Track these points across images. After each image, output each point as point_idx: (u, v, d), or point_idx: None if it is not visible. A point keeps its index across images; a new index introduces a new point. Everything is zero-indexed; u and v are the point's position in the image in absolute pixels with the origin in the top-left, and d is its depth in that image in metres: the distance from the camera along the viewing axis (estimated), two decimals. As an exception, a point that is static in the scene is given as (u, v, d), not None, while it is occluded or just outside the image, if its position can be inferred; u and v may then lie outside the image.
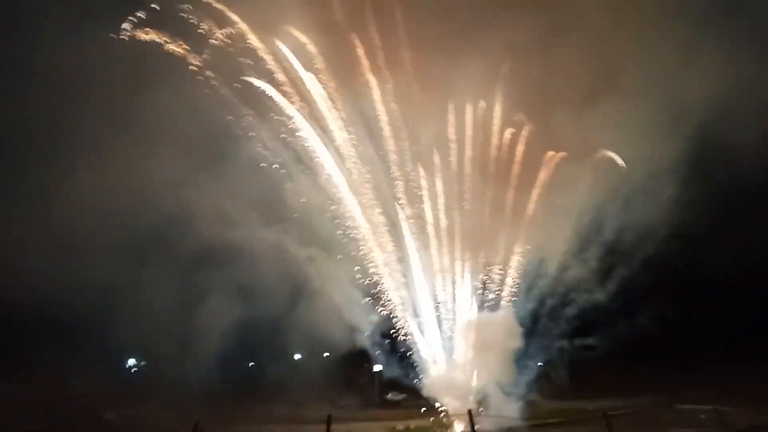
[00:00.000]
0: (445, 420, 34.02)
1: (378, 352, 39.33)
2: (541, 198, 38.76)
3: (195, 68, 32.73)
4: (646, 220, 36.48)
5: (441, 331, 37.35)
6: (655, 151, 35.57)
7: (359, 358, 39.47)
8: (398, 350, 37.48)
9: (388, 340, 37.89)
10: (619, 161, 37.49)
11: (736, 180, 38.61)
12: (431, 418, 35.14)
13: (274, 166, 35.09)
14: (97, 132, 35.56)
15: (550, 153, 38.67)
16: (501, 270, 38.57)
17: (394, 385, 43.82)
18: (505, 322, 36.78)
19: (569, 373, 39.05)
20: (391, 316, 36.85)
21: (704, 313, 47.45)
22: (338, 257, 36.46)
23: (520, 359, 37.46)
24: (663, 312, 38.36)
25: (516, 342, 35.87)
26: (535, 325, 38.69)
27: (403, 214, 37.38)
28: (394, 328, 37.06)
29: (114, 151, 34.67)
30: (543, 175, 38.87)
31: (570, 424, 31.38)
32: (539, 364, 38.48)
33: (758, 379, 35.56)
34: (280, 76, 35.03)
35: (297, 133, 35.39)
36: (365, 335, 37.36)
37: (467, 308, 37.78)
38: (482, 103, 38.33)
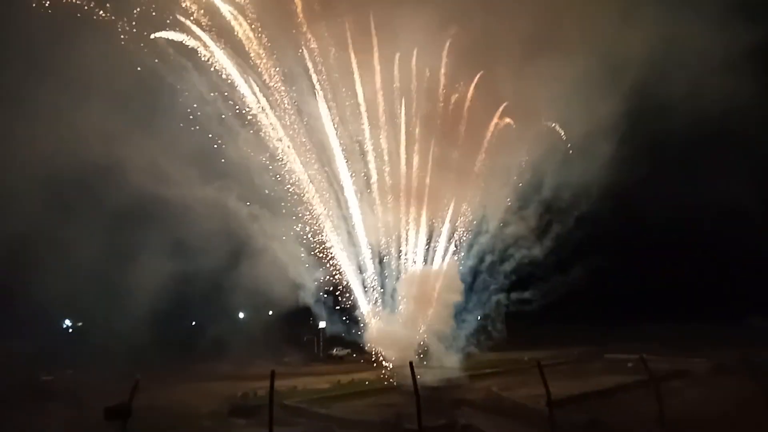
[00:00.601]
0: (387, 373, 34.75)
1: (321, 309, 39.58)
2: (484, 156, 39.24)
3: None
4: (582, 176, 37.42)
5: (384, 286, 37.91)
6: (592, 108, 36.05)
7: (303, 315, 39.70)
8: (341, 306, 37.85)
9: (332, 297, 38.16)
10: (559, 129, 38.28)
11: (668, 136, 40.01)
12: (374, 372, 35.89)
13: (211, 121, 34.27)
14: (20, 80, 33.39)
15: (495, 113, 38.91)
16: (444, 226, 39.15)
17: (337, 341, 44.39)
18: (448, 275, 37.67)
19: (506, 326, 40.37)
20: (334, 273, 37.09)
21: (634, 268, 49.76)
22: (281, 214, 36.18)
23: (460, 313, 38.55)
24: (596, 266, 39.75)
25: (457, 295, 36.88)
26: (474, 280, 39.74)
27: (347, 170, 37.14)
28: (338, 286, 37.34)
29: (38, 101, 32.82)
30: (486, 133, 39.20)
31: (506, 374, 32.71)
32: (478, 318, 39.50)
33: (680, 330, 37.89)
34: (217, 27, 33.75)
35: (235, 86, 34.38)
36: (309, 293, 37.43)
37: (411, 263, 38.34)
38: (427, 60, 37.88)
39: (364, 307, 37.38)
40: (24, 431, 19.76)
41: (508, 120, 38.83)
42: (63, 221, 37.44)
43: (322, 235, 36.60)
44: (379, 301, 37.77)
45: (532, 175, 39.27)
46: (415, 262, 38.58)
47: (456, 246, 39.51)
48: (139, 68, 31.64)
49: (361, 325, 37.13)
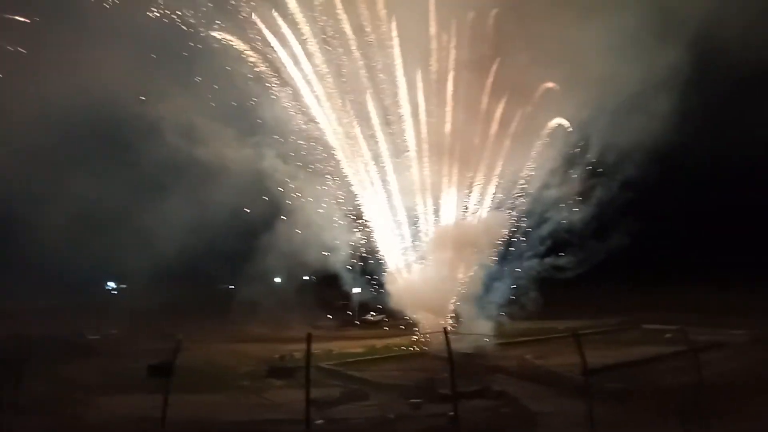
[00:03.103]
0: (421, 338, 35.05)
1: (356, 274, 39.93)
2: (528, 115, 37.85)
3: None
4: (628, 138, 36.02)
5: (417, 246, 37.90)
6: (641, 65, 34.78)
7: (337, 280, 40.03)
8: (377, 272, 38.07)
9: (367, 262, 38.42)
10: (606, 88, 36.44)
11: (714, 97, 38.44)
12: (408, 337, 36.23)
13: (247, 80, 34.34)
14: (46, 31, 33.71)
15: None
16: (484, 187, 38.59)
17: (373, 306, 44.80)
18: (488, 225, 37.48)
19: (541, 294, 40.08)
20: (369, 237, 37.30)
21: (677, 233, 48.73)
22: (317, 176, 36.33)
23: (493, 280, 38.37)
24: (636, 231, 38.87)
25: (494, 243, 36.74)
26: (509, 247, 39.37)
27: (382, 128, 36.70)
28: (373, 251, 37.56)
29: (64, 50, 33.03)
30: (532, 90, 37.64)
31: (540, 343, 32.65)
32: (512, 285, 39.27)
33: (721, 300, 37.12)
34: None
35: (271, 46, 34.14)
36: (344, 257, 37.76)
37: (446, 219, 38.10)
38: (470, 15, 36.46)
39: (393, 265, 37.42)
40: (73, 385, 20.56)
41: (553, 81, 37.12)
42: (101, 183, 38.39)
43: (356, 197, 36.71)
44: (411, 259, 37.71)
45: (579, 137, 38.17)
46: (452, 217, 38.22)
47: (495, 203, 39.07)
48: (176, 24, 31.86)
49: (389, 285, 36.89)
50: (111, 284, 60.74)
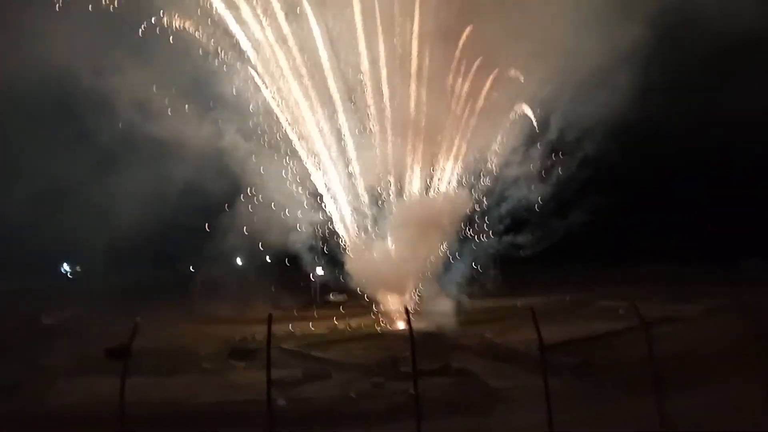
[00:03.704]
0: (382, 318, 35.29)
1: (317, 254, 39.85)
2: (490, 91, 38.19)
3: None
4: (589, 115, 36.63)
5: (378, 223, 38.12)
6: (602, 40, 34.41)
7: (299, 260, 39.90)
8: (339, 252, 38.07)
9: (329, 243, 38.36)
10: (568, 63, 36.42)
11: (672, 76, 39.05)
12: (369, 317, 36.44)
13: (206, 55, 33.64)
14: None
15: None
16: (445, 164, 38.86)
17: (335, 286, 44.82)
18: (449, 202, 37.67)
19: (501, 271, 40.69)
20: (331, 216, 37.21)
21: (632, 210, 49.83)
22: (279, 154, 35.97)
23: (454, 259, 38.79)
24: (594, 208, 39.60)
25: (456, 221, 37.04)
26: (470, 225, 39.77)
27: (344, 105, 36.58)
28: (335, 231, 37.51)
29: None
30: (494, 67, 37.87)
31: (499, 320, 33.24)
32: (472, 263, 39.75)
33: (674, 272, 38.36)
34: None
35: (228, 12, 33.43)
36: (307, 238, 37.61)
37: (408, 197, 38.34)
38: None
39: (354, 244, 37.45)
40: (29, 370, 20.12)
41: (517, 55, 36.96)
42: (54, 157, 37.16)
43: (317, 176, 36.46)
44: (372, 238, 37.82)
45: (541, 114, 38.49)
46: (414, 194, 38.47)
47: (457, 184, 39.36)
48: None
49: (349, 264, 36.92)
50: (66, 267, 59.20)
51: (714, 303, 28.74)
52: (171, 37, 32.41)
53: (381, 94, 36.77)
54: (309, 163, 36.55)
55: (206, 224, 37.60)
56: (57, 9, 30.01)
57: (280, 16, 34.00)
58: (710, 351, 18.44)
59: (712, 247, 43.29)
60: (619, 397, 15.13)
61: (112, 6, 30.32)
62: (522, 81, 37.51)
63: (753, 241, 39.40)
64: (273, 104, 35.39)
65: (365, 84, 36.58)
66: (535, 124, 38.52)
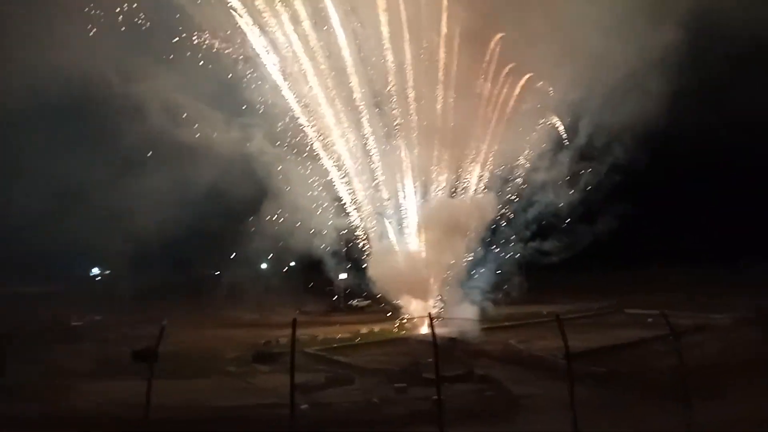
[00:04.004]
0: (406, 323, 35.22)
1: (342, 259, 39.98)
2: (519, 96, 37.95)
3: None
4: (617, 121, 36.26)
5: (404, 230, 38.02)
6: (633, 45, 34.26)
7: (324, 266, 40.07)
8: (362, 257, 38.10)
9: (354, 248, 38.43)
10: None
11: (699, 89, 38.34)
12: (393, 322, 36.40)
13: (236, 61, 33.92)
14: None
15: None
16: (473, 170, 38.71)
17: (359, 292, 44.92)
18: (477, 205, 37.49)
19: (526, 278, 40.32)
20: (356, 222, 37.28)
21: (661, 221, 49.15)
22: (306, 161, 36.13)
23: (478, 264, 38.55)
24: (620, 215, 39.12)
25: (481, 226, 36.84)
26: (495, 232, 39.54)
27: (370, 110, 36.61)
28: (359, 236, 37.56)
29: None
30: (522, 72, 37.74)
31: (524, 327, 32.94)
32: (497, 270, 39.49)
33: (703, 286, 37.61)
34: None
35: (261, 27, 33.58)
36: (332, 243, 37.76)
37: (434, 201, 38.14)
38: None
39: (378, 249, 37.38)
40: (56, 372, 20.47)
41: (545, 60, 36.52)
42: (81, 162, 37.83)
43: (343, 181, 36.61)
44: (396, 243, 37.74)
45: (570, 119, 38.24)
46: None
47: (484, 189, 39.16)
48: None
49: (372, 270, 36.62)
50: (95, 270, 60.21)
51: (741, 313, 28.10)
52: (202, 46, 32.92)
53: (407, 99, 36.69)
54: (333, 169, 36.65)
55: (233, 229, 38.06)
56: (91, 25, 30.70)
57: (307, 23, 34.15)
58: (738, 361, 18.03)
59: (733, 251, 42.56)
60: (646, 407, 14.84)
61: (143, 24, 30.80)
62: (550, 88, 37.22)
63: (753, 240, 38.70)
64: (298, 110, 35.56)
65: (391, 89, 36.51)
66: (562, 129, 38.14)
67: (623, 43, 33.93)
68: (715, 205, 48.12)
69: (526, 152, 39.20)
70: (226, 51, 33.50)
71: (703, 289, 35.24)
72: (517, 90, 37.94)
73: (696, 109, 40.28)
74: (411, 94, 36.53)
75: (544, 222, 39.96)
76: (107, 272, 59.30)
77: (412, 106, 36.72)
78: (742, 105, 38.84)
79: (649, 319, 29.14)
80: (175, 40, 31.88)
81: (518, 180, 39.63)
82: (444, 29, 35.99)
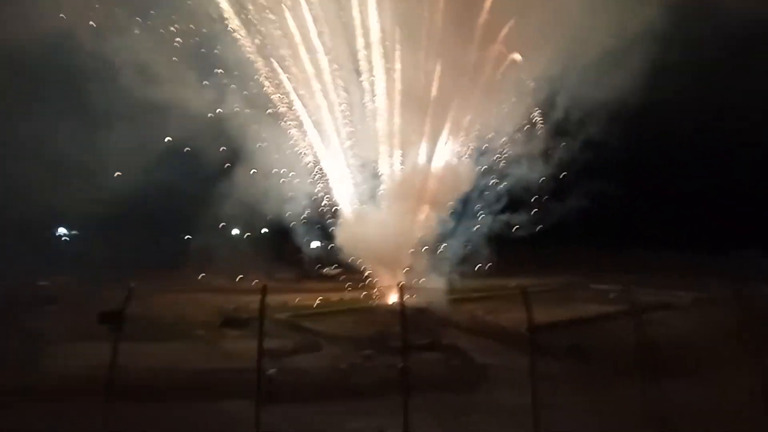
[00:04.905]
0: (375, 292, 35.51)
1: (315, 226, 39.91)
2: (499, 63, 37.35)
3: None
4: (594, 97, 35.85)
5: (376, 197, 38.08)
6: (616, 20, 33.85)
7: (296, 232, 39.98)
8: (335, 225, 38.08)
9: (327, 215, 38.40)
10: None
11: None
12: (363, 291, 36.68)
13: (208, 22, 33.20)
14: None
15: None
16: (448, 139, 38.44)
17: (331, 259, 44.97)
18: (451, 171, 37.51)
19: (495, 252, 40.72)
20: (328, 188, 37.20)
21: (635, 194, 49.74)
22: (278, 123, 35.73)
23: (448, 235, 38.80)
24: (595, 191, 39.47)
25: (454, 196, 37.01)
26: (466, 204, 39.71)
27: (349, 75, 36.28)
28: (332, 203, 37.52)
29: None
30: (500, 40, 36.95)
31: (492, 299, 33.46)
32: (467, 241, 39.75)
33: (670, 262, 38.50)
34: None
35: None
36: (304, 209, 37.64)
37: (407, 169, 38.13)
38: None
39: (349, 216, 37.35)
40: (23, 335, 20.27)
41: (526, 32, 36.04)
42: (47, 119, 36.85)
43: (318, 144, 36.32)
44: (367, 210, 37.72)
45: (548, 93, 37.83)
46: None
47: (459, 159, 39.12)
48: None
49: (342, 237, 36.72)
50: (62, 230, 59.13)
51: (707, 292, 28.90)
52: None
53: (389, 63, 36.31)
54: (309, 133, 36.33)
55: (204, 192, 37.68)
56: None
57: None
58: (700, 340, 18.66)
59: (713, 235, 43.28)
60: (606, 381, 15.34)
61: None
62: (524, 60, 36.96)
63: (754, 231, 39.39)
64: (277, 71, 35.01)
65: (372, 53, 36.07)
66: (537, 106, 38.11)
67: (606, 17, 33.68)
68: (705, 190, 48.72)
69: (501, 123, 39.03)
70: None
71: (676, 272, 35.99)
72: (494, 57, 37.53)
73: (676, 89, 40.64)
74: (393, 58, 36.10)
75: (515, 196, 40.13)
76: (75, 232, 58.35)
77: (393, 71, 36.32)
78: (731, 86, 39.34)
79: (611, 295, 29.80)
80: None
81: (493, 152, 39.59)
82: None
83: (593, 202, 40.57)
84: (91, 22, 31.95)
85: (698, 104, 42.15)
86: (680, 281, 32.70)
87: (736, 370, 15.05)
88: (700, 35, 36.23)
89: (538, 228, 40.67)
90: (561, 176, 39.49)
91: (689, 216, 49.07)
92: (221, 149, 36.11)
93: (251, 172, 35.54)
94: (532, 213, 40.45)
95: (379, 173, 37.74)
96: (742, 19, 33.64)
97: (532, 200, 40.28)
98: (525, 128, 38.86)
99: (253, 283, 33.07)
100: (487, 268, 39.08)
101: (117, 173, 35.72)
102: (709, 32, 36.10)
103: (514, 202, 40.29)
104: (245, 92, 35.41)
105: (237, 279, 38.66)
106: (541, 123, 38.81)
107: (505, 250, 40.75)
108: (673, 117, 43.65)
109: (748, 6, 32.61)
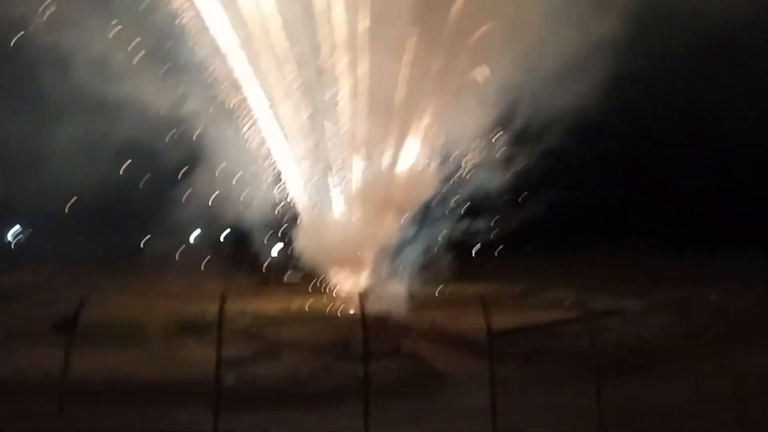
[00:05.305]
0: (335, 299, 35.44)
1: (277, 232, 39.64)
2: (465, 72, 37.98)
3: None
4: (554, 107, 36.46)
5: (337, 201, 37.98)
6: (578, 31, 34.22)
7: (256, 237, 39.62)
8: (294, 230, 37.89)
9: (287, 221, 38.18)
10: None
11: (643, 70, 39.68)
12: (324, 298, 36.55)
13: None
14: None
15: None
16: (411, 145, 38.77)
17: (291, 266, 44.67)
18: (414, 176, 37.69)
19: (454, 259, 41.13)
20: (292, 194, 36.98)
21: (590, 206, 51.01)
22: (237, 126, 35.37)
23: (409, 242, 39.03)
24: (554, 197, 40.18)
25: (416, 202, 37.22)
26: (425, 211, 40.01)
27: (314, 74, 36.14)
28: (294, 208, 37.32)
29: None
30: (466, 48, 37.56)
31: (450, 306, 33.75)
32: (425, 248, 40.05)
33: (622, 266, 39.59)
34: None
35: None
36: (266, 214, 37.34)
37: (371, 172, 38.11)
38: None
39: (309, 220, 37.09)
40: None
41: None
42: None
43: (280, 146, 36.05)
44: (329, 215, 37.65)
45: (511, 103, 38.15)
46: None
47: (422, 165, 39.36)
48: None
49: (302, 241, 36.52)
50: (12, 233, 57.24)
51: (655, 299, 29.79)
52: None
53: (354, 67, 36.28)
54: (269, 135, 36.03)
55: (162, 194, 36.99)
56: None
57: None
58: (647, 345, 19.34)
59: (664, 241, 44.61)
60: (562, 386, 15.70)
61: None
62: (487, 68, 37.48)
63: (729, 233, 40.67)
64: (238, 71, 34.67)
65: (338, 55, 35.99)
66: (498, 112, 38.62)
67: (569, 27, 34.25)
68: (659, 195, 50.17)
69: (463, 130, 39.47)
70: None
71: (627, 275, 36.93)
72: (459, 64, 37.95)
73: (636, 97, 41.77)
74: (359, 62, 36.10)
75: (475, 203, 40.65)
76: (25, 235, 56.59)
77: (359, 75, 36.32)
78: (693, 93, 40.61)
79: (566, 302, 30.46)
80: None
81: (455, 160, 40.03)
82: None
83: (551, 209, 41.44)
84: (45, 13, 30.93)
85: (657, 112, 43.65)
86: (631, 287, 33.72)
87: (676, 375, 16.39)
88: (661, 43, 37.52)
89: (497, 235, 41.27)
90: (520, 184, 40.13)
91: (642, 222, 50.67)
92: (179, 150, 35.39)
93: (210, 175, 35.03)
94: (492, 221, 41.01)
95: (341, 177, 37.66)
96: (703, 27, 34.60)
97: (492, 208, 40.85)
98: (487, 136, 39.45)
99: (212, 289, 32.51)
100: (446, 275, 39.41)
101: (71, 171, 34.47)
102: (670, 41, 37.40)
103: (474, 209, 40.83)
104: (205, 92, 34.87)
105: (195, 285, 38.03)
106: (502, 131, 39.45)
107: (465, 257, 41.26)
108: (632, 125, 45.06)
109: (709, 12, 33.51)
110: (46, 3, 31.03)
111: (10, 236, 56.58)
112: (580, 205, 49.68)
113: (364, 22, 35.37)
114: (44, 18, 31.00)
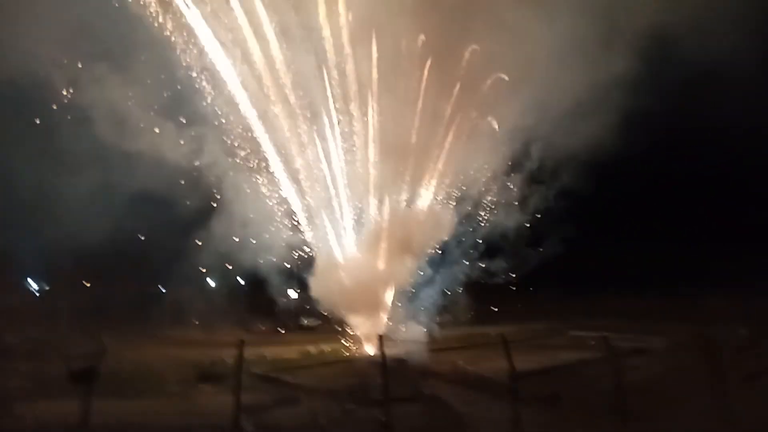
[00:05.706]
0: (356, 344, 35.10)
1: (294, 277, 39.56)
2: (474, 117, 38.11)
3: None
4: (567, 146, 36.53)
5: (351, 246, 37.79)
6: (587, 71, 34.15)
7: (273, 283, 39.58)
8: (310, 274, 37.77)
9: (303, 265, 38.12)
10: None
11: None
12: (343, 342, 36.22)
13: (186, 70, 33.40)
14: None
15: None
16: (427, 186, 38.60)
17: (309, 310, 44.51)
18: (432, 216, 37.56)
19: (473, 300, 40.74)
20: (308, 240, 37.04)
21: (608, 244, 50.64)
22: (255, 172, 35.73)
23: (426, 285, 38.74)
24: (569, 238, 39.96)
25: (432, 244, 36.95)
26: (443, 252, 39.86)
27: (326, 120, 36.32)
28: (310, 253, 37.30)
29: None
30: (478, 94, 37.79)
31: (472, 348, 33.31)
32: (444, 290, 39.76)
33: (646, 307, 38.94)
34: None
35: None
36: (283, 260, 37.34)
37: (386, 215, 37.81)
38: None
39: (325, 265, 36.82)
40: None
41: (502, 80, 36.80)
42: (19, 168, 36.40)
43: (295, 193, 36.36)
44: (343, 260, 37.29)
45: (523, 143, 38.41)
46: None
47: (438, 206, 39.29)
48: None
49: (318, 287, 35.94)
50: (32, 283, 57.76)
51: (678, 338, 29.21)
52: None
53: (367, 113, 36.60)
54: (287, 182, 36.38)
55: (179, 243, 37.24)
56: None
57: (271, 35, 33.96)
58: (674, 383, 18.82)
59: (683, 280, 44.02)
60: (587, 428, 15.27)
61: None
62: (497, 111, 37.83)
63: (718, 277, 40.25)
64: (254, 121, 35.24)
65: (352, 101, 36.50)
66: (511, 153, 38.84)
67: (577, 67, 34.36)
68: (676, 237, 49.84)
69: (479, 171, 39.63)
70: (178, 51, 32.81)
71: (648, 315, 36.37)
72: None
73: (648, 135, 41.78)
74: (371, 107, 36.44)
75: (492, 242, 40.43)
76: (45, 287, 57.05)
77: (374, 120, 36.64)
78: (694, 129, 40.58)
79: (591, 342, 29.90)
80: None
81: (470, 200, 40.05)
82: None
83: (568, 248, 41.13)
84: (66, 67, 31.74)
85: (669, 151, 43.64)
86: (653, 326, 33.11)
87: (701, 413, 15.40)
88: (668, 79, 37.71)
89: (515, 275, 40.90)
90: (536, 223, 39.95)
91: (661, 262, 50.06)
92: (196, 199, 35.77)
93: (227, 222, 35.27)
94: (510, 260, 40.72)
95: (357, 220, 37.75)
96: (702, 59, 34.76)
97: (509, 247, 40.60)
98: (502, 176, 39.54)
99: (229, 335, 32.40)
100: (465, 316, 39.03)
101: (88, 222, 34.90)
102: (675, 76, 37.61)
103: (492, 249, 40.61)
104: (222, 142, 35.40)
105: (212, 332, 37.95)
106: (517, 171, 39.55)
107: (484, 298, 40.85)
108: (645, 163, 45.00)
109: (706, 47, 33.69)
110: (66, 62, 31.76)
111: (29, 287, 57.08)
112: (601, 244, 49.41)
113: (374, 72, 35.84)
114: (65, 77, 31.76)
